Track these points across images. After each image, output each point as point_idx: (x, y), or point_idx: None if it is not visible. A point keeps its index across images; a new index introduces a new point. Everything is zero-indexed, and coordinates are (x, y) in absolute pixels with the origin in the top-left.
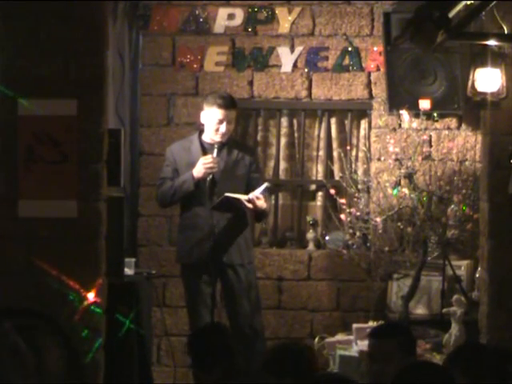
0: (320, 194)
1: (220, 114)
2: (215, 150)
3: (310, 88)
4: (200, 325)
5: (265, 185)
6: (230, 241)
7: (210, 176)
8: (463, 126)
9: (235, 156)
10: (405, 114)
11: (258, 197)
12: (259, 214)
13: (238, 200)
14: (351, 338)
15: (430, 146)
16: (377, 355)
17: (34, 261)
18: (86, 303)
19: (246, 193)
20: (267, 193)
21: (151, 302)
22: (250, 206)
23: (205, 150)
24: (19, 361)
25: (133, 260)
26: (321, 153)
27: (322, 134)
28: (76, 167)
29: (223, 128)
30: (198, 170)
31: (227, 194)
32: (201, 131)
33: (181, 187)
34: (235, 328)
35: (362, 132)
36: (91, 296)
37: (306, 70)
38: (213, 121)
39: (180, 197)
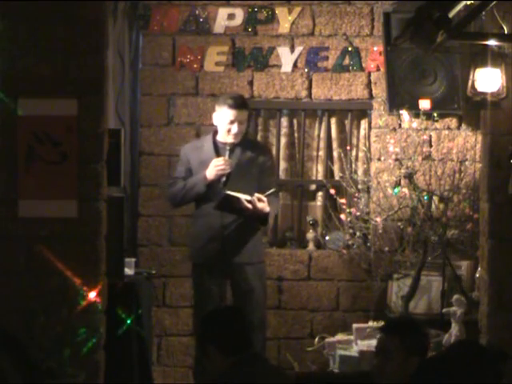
0: (320, 193)
1: (231, 114)
2: (227, 152)
3: (310, 88)
4: None
5: (272, 189)
6: (239, 240)
7: (224, 178)
8: (463, 126)
9: (248, 155)
10: (405, 113)
11: (260, 198)
12: (262, 218)
13: (238, 199)
14: (351, 337)
15: (430, 146)
16: (379, 350)
17: (33, 261)
18: (86, 303)
19: (257, 193)
20: (274, 198)
21: (151, 302)
22: (249, 206)
23: (217, 149)
24: None
25: (133, 260)
26: (321, 153)
27: (322, 134)
28: (76, 167)
29: (235, 129)
30: (210, 172)
31: (228, 192)
32: (216, 131)
33: (192, 189)
34: None
35: (362, 132)
36: (91, 296)
37: (306, 70)
38: (224, 121)
39: (191, 198)
